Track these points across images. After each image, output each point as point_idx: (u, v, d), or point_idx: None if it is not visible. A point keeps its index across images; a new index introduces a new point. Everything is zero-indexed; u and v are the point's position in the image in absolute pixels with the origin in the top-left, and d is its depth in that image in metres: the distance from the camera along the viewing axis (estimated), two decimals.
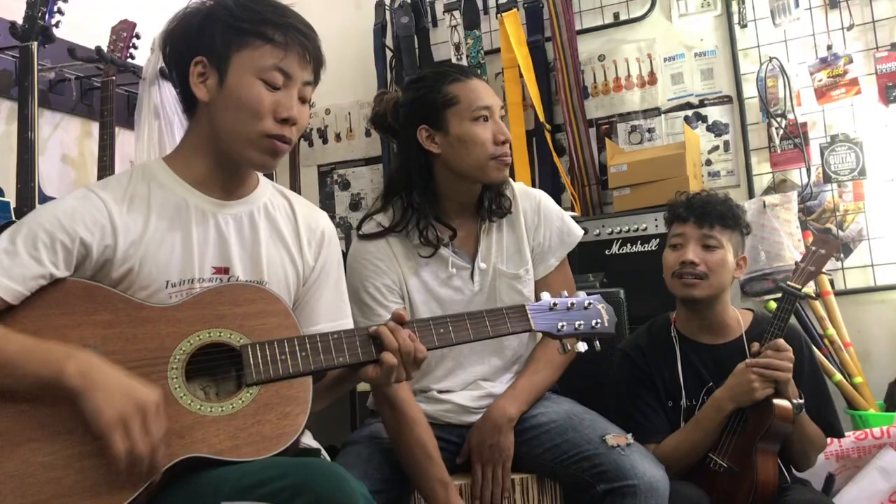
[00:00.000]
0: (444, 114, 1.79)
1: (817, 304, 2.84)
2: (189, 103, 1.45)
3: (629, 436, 1.74)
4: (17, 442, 1.20)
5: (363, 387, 1.93)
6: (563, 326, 1.53)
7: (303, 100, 1.43)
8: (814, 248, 1.91)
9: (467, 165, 1.81)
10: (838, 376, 2.72)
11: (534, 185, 3.26)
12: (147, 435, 1.18)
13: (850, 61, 2.97)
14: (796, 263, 1.92)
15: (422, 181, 1.84)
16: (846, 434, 2.26)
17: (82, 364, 1.21)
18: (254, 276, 1.45)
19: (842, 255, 2.95)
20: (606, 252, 2.82)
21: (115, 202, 1.38)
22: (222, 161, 1.43)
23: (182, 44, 1.42)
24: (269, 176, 3.21)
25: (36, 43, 2.30)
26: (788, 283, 1.88)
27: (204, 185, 1.44)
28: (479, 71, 1.88)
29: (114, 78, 2.60)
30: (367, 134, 3.76)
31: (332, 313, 1.55)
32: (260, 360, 1.32)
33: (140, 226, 1.38)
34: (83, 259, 1.33)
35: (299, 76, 1.40)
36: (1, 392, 1.22)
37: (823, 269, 2.00)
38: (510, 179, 1.94)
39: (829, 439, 1.96)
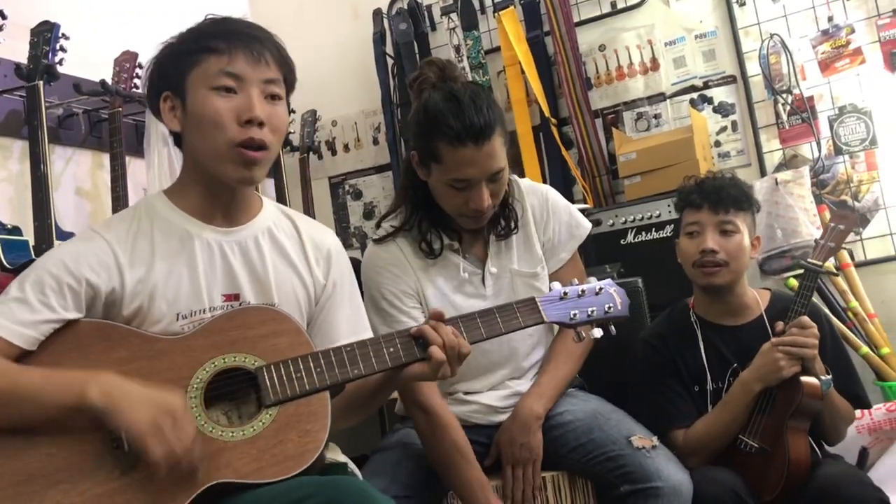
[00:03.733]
0: (429, 162, 1.76)
1: (838, 277, 2.82)
2: (176, 139, 1.47)
3: (655, 438, 1.74)
4: (48, 485, 1.22)
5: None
6: (575, 314, 1.52)
7: (272, 97, 1.41)
8: (832, 225, 1.89)
9: (444, 208, 1.82)
10: (865, 348, 2.70)
11: (544, 180, 3.29)
12: (181, 434, 1.21)
13: (853, 31, 2.94)
14: (816, 241, 1.90)
15: (420, 195, 1.85)
16: (877, 406, 2.24)
17: (103, 385, 1.24)
18: (264, 300, 1.46)
19: (861, 229, 2.91)
20: (621, 242, 2.81)
21: (119, 241, 1.40)
22: (213, 187, 1.44)
23: (151, 87, 1.46)
24: (282, 190, 3.27)
25: (41, 82, 2.32)
26: (809, 259, 1.86)
27: (204, 215, 1.45)
28: (484, 113, 1.71)
29: (120, 109, 2.62)
30: (375, 142, 3.78)
31: (352, 328, 1.56)
32: (276, 381, 1.33)
33: (146, 263, 1.39)
34: (92, 300, 1.36)
35: (253, 75, 1.39)
36: (27, 432, 1.24)
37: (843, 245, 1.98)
38: (514, 177, 1.93)
39: (858, 411, 1.95)
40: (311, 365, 1.36)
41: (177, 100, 1.41)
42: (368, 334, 1.59)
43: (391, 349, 1.40)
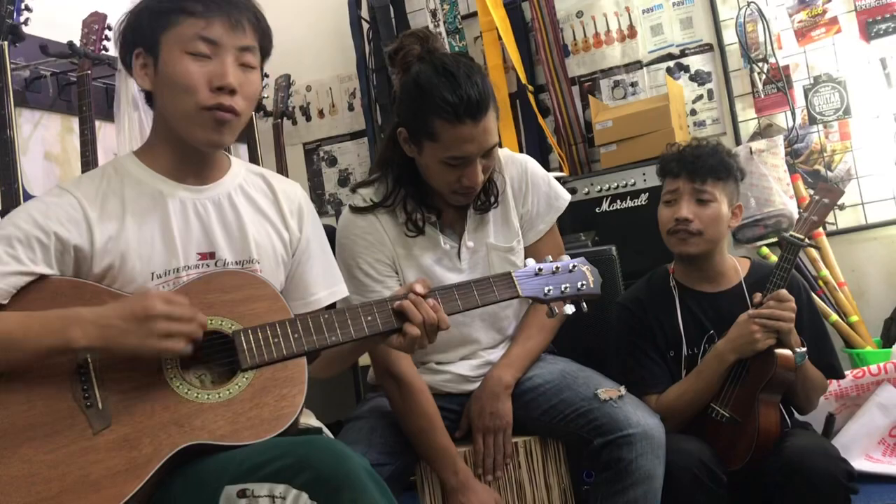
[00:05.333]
0: (422, 139, 1.71)
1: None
2: (147, 97, 1.46)
3: (622, 388, 1.75)
4: (18, 442, 1.21)
5: (364, 360, 1.94)
6: (549, 290, 1.55)
7: (245, 66, 1.40)
8: (817, 198, 1.87)
9: (433, 186, 1.79)
10: (834, 317, 2.74)
11: (520, 148, 3.28)
12: (179, 319, 1.25)
13: (829, 0, 2.94)
14: (799, 213, 1.89)
15: (404, 172, 1.81)
16: (845, 374, 2.27)
17: (84, 325, 1.24)
18: (242, 256, 1.46)
19: (844, 203, 2.93)
20: (597, 210, 2.82)
21: (88, 199, 1.39)
22: (183, 147, 1.43)
23: (124, 42, 1.44)
24: (255, 156, 3.23)
25: (6, 42, 2.27)
26: (791, 233, 1.84)
27: (176, 174, 1.45)
28: (480, 89, 1.68)
29: (89, 72, 2.57)
30: (350, 108, 3.75)
31: (327, 280, 1.58)
32: (253, 345, 1.33)
33: (116, 222, 1.38)
34: (61, 255, 1.35)
35: (228, 42, 1.38)
36: (1, 388, 1.24)
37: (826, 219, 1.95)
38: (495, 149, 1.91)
39: (829, 381, 1.97)
40: (289, 330, 1.36)
41: (149, 58, 1.40)
42: (342, 286, 1.62)
43: (369, 318, 1.41)
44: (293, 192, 1.59)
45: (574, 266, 1.59)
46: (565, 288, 1.55)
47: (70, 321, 1.24)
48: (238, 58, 1.39)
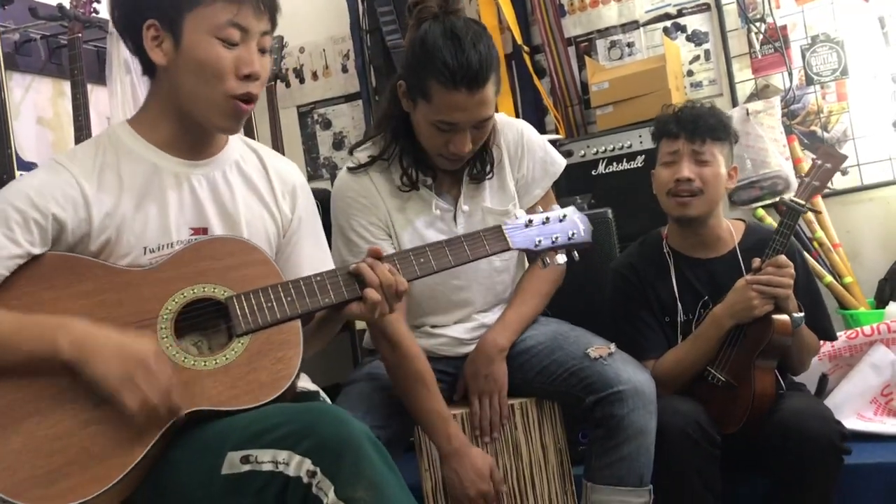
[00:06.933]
0: (417, 97, 1.72)
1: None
2: (148, 66, 1.42)
3: (612, 345, 1.77)
4: (20, 417, 1.22)
5: (361, 325, 1.95)
6: (540, 241, 1.55)
7: (262, 50, 1.39)
8: (819, 163, 1.85)
9: (424, 147, 1.79)
10: (829, 278, 2.75)
11: (516, 110, 3.25)
12: (154, 381, 1.21)
13: None
14: (801, 178, 1.86)
15: (401, 127, 1.81)
16: (839, 334, 2.29)
17: (75, 335, 1.23)
18: (233, 233, 1.45)
19: (847, 169, 2.90)
20: (593, 172, 2.82)
21: (85, 175, 1.37)
22: (187, 123, 1.41)
23: (130, 8, 1.39)
24: (249, 119, 3.20)
25: None
26: (792, 198, 1.83)
27: (173, 148, 1.43)
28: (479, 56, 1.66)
29: (80, 35, 2.54)
30: (344, 70, 3.71)
31: (315, 264, 1.55)
32: (247, 310, 1.34)
33: (113, 196, 1.37)
34: (59, 234, 1.33)
35: (256, 28, 1.37)
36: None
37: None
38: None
39: (821, 342, 1.99)
40: (282, 294, 1.36)
41: (166, 34, 1.35)
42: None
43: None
44: (287, 172, 1.56)
45: (565, 215, 1.59)
46: (556, 238, 1.55)
47: (63, 330, 1.23)
48: (259, 42, 1.38)
